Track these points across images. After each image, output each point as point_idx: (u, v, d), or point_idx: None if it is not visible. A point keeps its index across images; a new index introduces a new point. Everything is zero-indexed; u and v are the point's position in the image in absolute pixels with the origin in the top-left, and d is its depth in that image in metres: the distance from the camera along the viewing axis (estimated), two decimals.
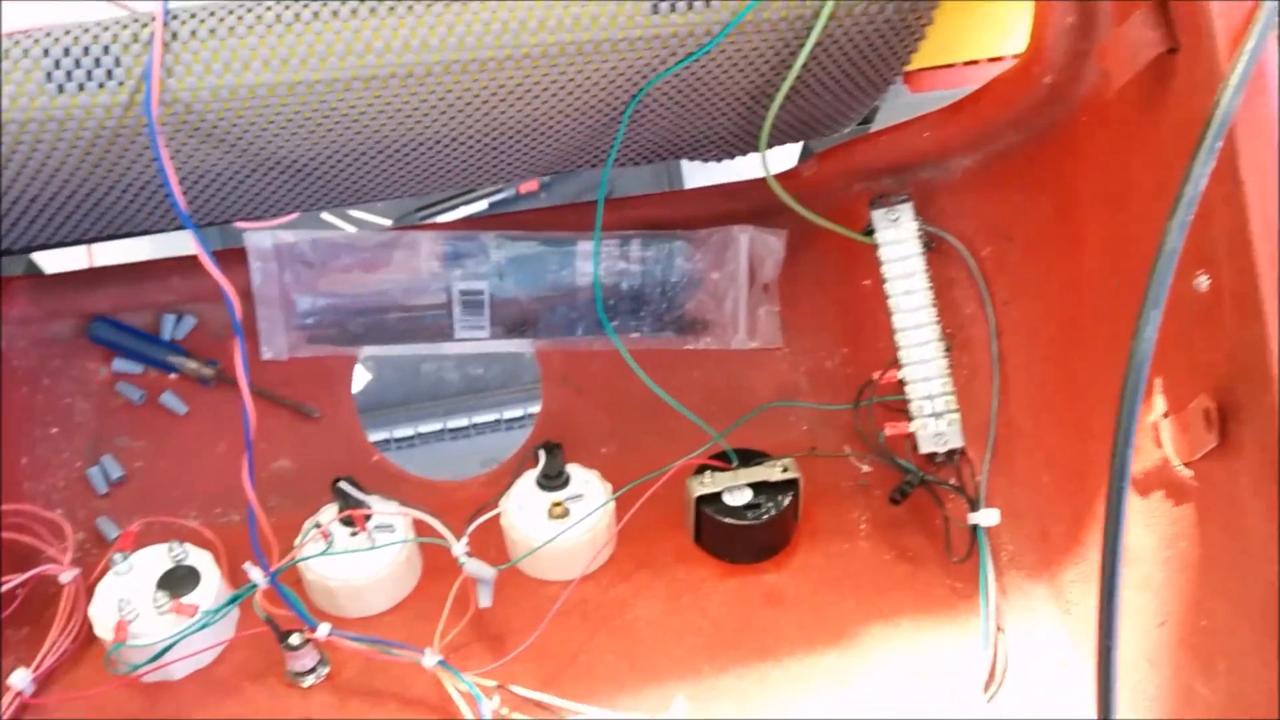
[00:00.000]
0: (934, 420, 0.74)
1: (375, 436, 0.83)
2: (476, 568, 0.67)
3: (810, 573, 0.75)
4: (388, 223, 1.38)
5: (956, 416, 0.74)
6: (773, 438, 0.80)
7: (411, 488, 0.81)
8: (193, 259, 0.79)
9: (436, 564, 0.76)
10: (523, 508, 0.75)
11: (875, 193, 0.77)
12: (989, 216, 0.75)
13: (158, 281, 0.78)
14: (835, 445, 0.84)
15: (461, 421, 0.91)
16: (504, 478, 0.83)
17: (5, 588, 0.68)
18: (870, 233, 0.76)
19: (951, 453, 0.74)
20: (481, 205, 1.40)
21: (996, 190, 0.74)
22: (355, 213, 1.38)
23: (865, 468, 0.82)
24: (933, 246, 0.75)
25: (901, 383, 0.75)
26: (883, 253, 0.75)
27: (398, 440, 0.91)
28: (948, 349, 0.74)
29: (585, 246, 0.80)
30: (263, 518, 0.61)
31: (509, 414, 0.92)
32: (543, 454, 0.74)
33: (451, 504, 0.77)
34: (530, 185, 1.43)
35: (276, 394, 0.80)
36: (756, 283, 0.83)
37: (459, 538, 0.69)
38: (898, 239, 0.75)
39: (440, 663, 0.64)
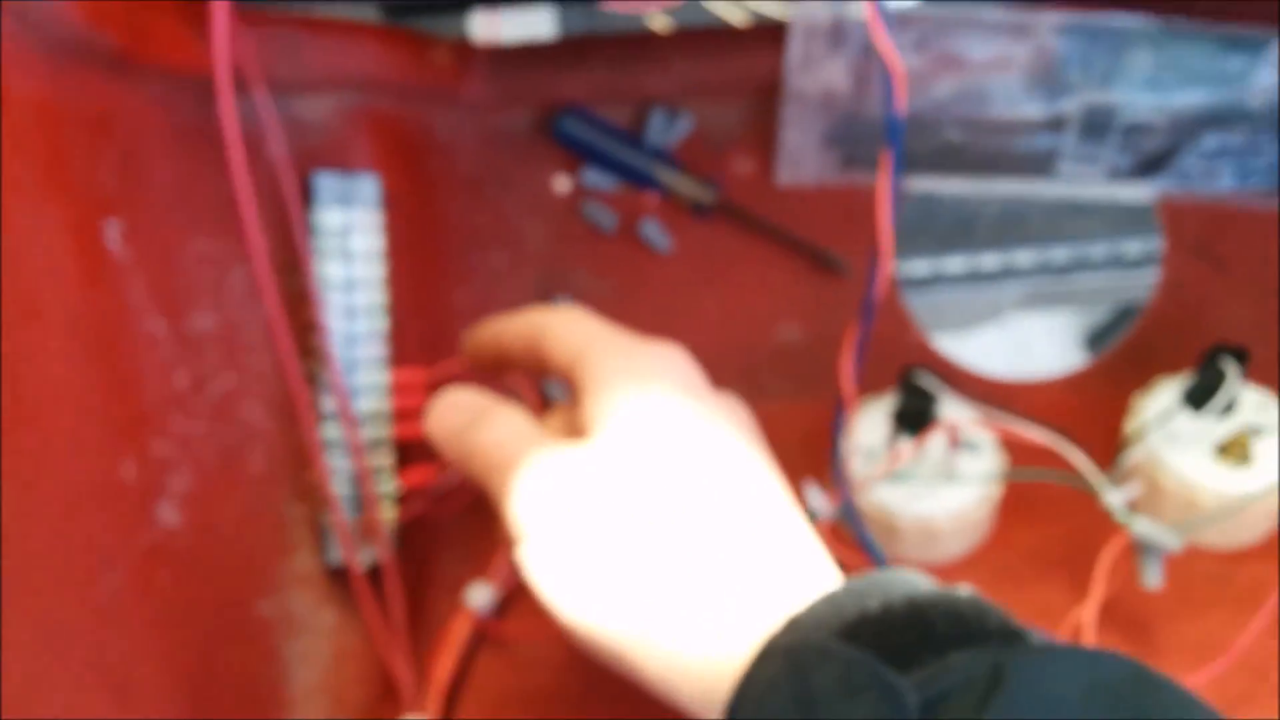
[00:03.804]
0: None
1: None
2: (1154, 532, 0.44)
3: None
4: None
5: None
6: None
7: (962, 384, 0.58)
8: (697, 36, 0.57)
9: (1017, 499, 0.53)
10: (1175, 439, 0.50)
11: None
12: None
13: (652, 63, 0.56)
14: None
15: (992, 264, 0.60)
16: (1094, 380, 0.58)
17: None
18: None
19: None
20: None
21: None
22: None
23: None
24: None
25: None
26: None
27: (910, 282, 0.61)
28: None
29: (1275, 52, 0.53)
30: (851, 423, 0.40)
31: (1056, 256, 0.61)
32: (1231, 368, 0.49)
33: (1029, 412, 0.53)
34: None
35: (793, 235, 0.58)
36: None
37: (1104, 472, 0.46)
38: None
39: None
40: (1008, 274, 0.59)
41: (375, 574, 0.47)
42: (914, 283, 0.58)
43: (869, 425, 0.52)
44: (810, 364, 0.59)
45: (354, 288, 0.48)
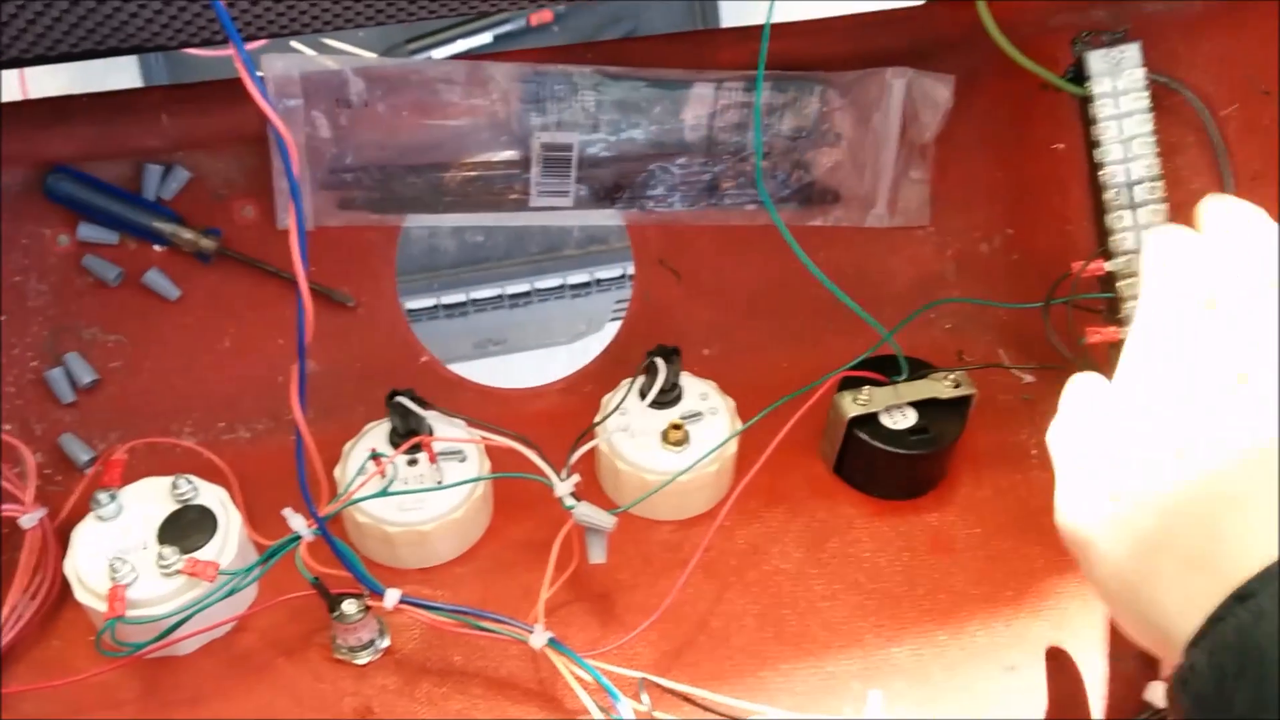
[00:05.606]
0: None
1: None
2: (591, 514, 0.51)
3: (979, 511, 0.60)
4: (372, 56, 1.16)
5: None
6: (908, 337, 0.63)
7: (472, 398, 0.64)
8: (184, 90, 0.60)
9: (512, 498, 0.59)
10: (630, 430, 0.58)
11: (1083, 28, 0.59)
12: (1238, 64, 0.58)
13: (140, 120, 0.58)
14: (988, 348, 0.68)
15: (490, 292, 0.68)
16: (584, 384, 0.66)
17: None
18: (1080, 80, 0.58)
19: None
20: (485, 38, 1.20)
21: (1249, 31, 0.57)
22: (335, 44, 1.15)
23: (1028, 377, 0.67)
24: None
25: (1111, 277, 0.58)
26: (1098, 108, 0.58)
27: (417, 312, 0.69)
28: None
29: (699, 90, 0.62)
30: (312, 447, 0.45)
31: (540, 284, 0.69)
32: (660, 365, 0.57)
33: (524, 418, 0.60)
34: (544, 16, 1.22)
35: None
36: (906, 144, 0.66)
37: (559, 471, 0.52)
38: (1118, 90, 0.58)
39: (552, 642, 0.49)
40: (507, 300, 0.66)
41: None
42: (420, 312, 0.64)
43: (375, 445, 0.57)
44: (330, 394, 0.63)
45: None
